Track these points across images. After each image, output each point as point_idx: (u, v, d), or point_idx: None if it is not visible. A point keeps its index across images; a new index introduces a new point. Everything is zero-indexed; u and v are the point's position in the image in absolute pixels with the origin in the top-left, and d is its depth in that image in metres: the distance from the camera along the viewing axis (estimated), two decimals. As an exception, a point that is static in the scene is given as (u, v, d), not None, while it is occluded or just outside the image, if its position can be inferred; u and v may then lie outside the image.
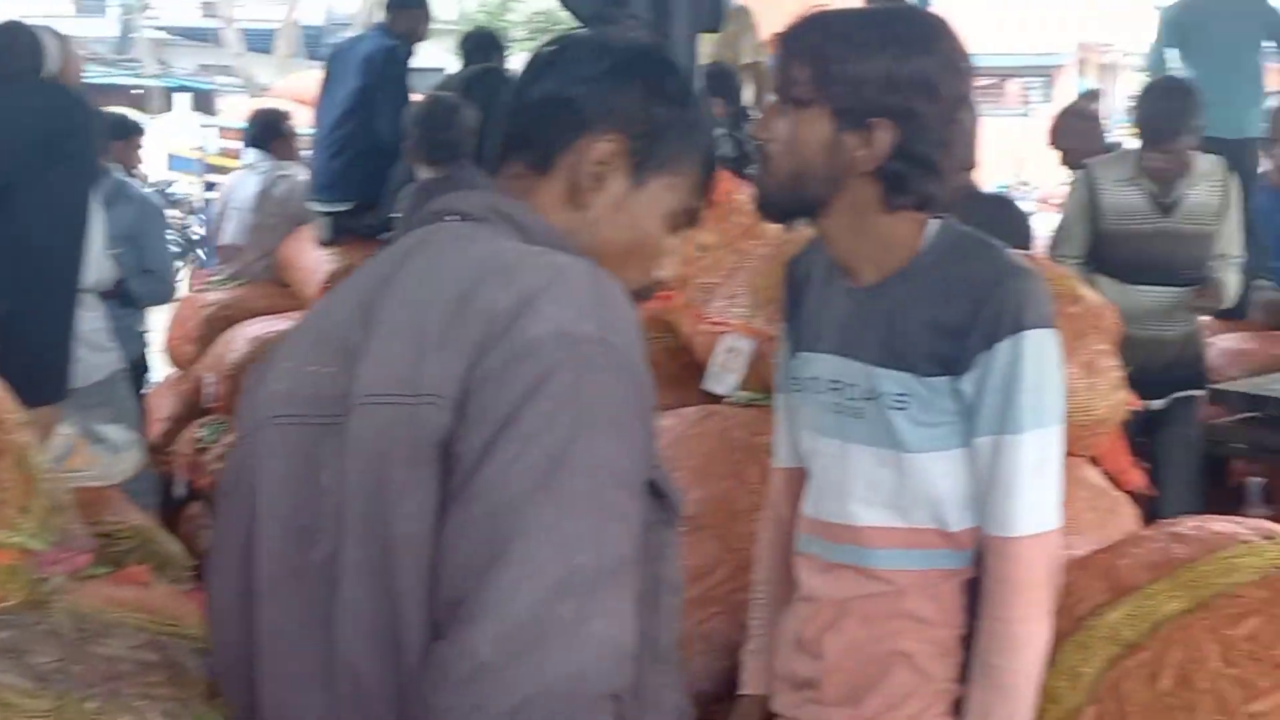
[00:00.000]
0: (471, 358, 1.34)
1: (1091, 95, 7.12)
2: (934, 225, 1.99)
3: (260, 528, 1.46)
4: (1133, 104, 5.29)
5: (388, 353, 1.40)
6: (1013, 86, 38.87)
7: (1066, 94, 33.07)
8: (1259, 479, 5.11)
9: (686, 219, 1.65)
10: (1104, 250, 4.74)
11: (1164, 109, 4.60)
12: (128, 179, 6.14)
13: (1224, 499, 4.94)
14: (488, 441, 1.30)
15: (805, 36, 1.93)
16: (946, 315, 1.92)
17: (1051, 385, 1.92)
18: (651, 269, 1.66)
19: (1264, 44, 7.18)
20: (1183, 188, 4.64)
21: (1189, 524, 2.31)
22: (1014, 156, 29.93)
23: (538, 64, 1.63)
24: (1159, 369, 4.46)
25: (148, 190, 8.09)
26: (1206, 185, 4.65)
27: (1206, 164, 4.70)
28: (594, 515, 1.30)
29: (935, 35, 1.92)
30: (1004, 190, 26.47)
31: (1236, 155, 6.72)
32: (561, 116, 1.58)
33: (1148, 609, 2.06)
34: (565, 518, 1.29)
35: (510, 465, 1.29)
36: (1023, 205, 20.39)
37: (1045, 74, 36.77)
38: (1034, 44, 34.88)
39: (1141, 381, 3.37)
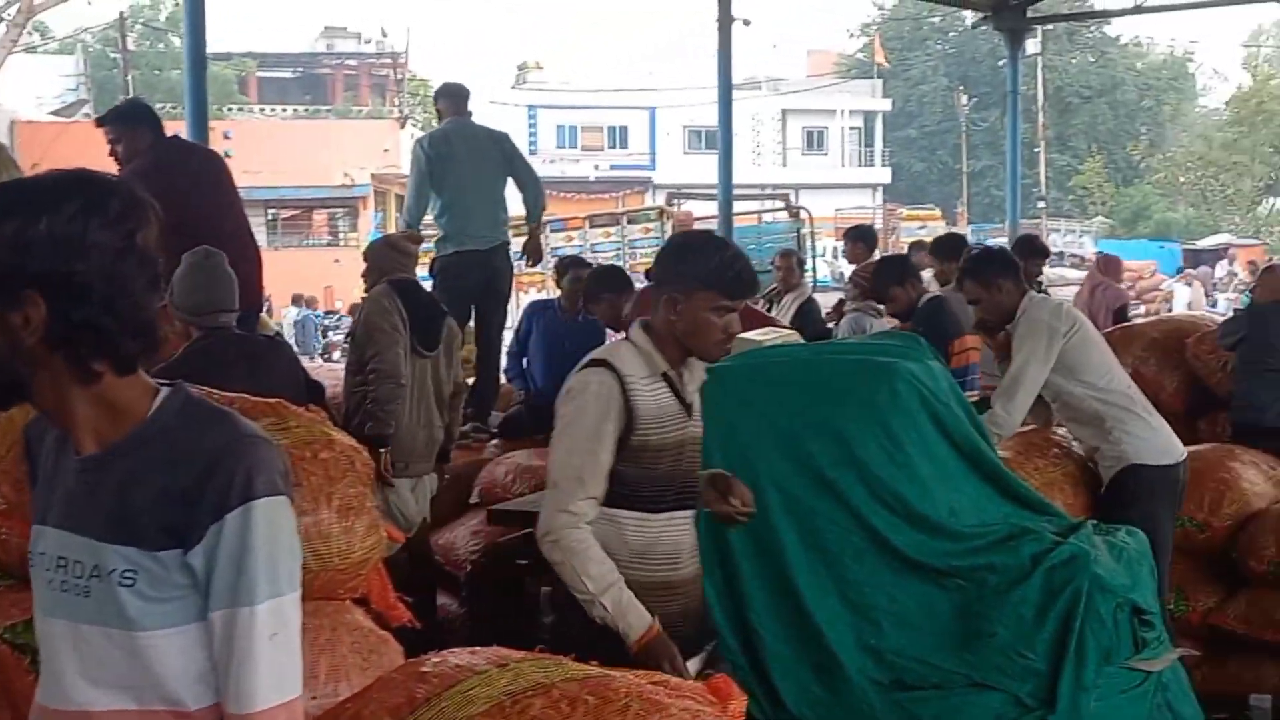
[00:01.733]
0: None
1: (415, 236, 7.60)
2: (164, 390, 1.91)
3: None
4: None
5: None
6: (320, 217, 39.63)
7: (368, 223, 34.20)
8: (548, 588, 5.41)
9: None
10: None
11: None
12: None
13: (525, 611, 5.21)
14: None
15: None
16: (175, 485, 1.83)
17: (284, 553, 1.87)
18: None
19: (506, 174, 8.30)
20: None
21: (433, 660, 2.37)
22: (323, 284, 30.48)
23: None
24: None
25: None
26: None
27: None
28: None
29: (69, 190, 1.81)
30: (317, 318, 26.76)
31: (486, 261, 7.93)
32: None
33: (389, 756, 2.07)
34: None
35: None
36: (335, 335, 20.55)
37: (350, 204, 37.80)
38: (337, 176, 35.80)
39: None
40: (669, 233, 15.83)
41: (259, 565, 1.84)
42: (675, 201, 19.16)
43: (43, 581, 1.93)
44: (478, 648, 2.39)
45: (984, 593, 4.03)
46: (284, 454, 2.01)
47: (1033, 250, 9.04)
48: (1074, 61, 57.44)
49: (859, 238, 10.61)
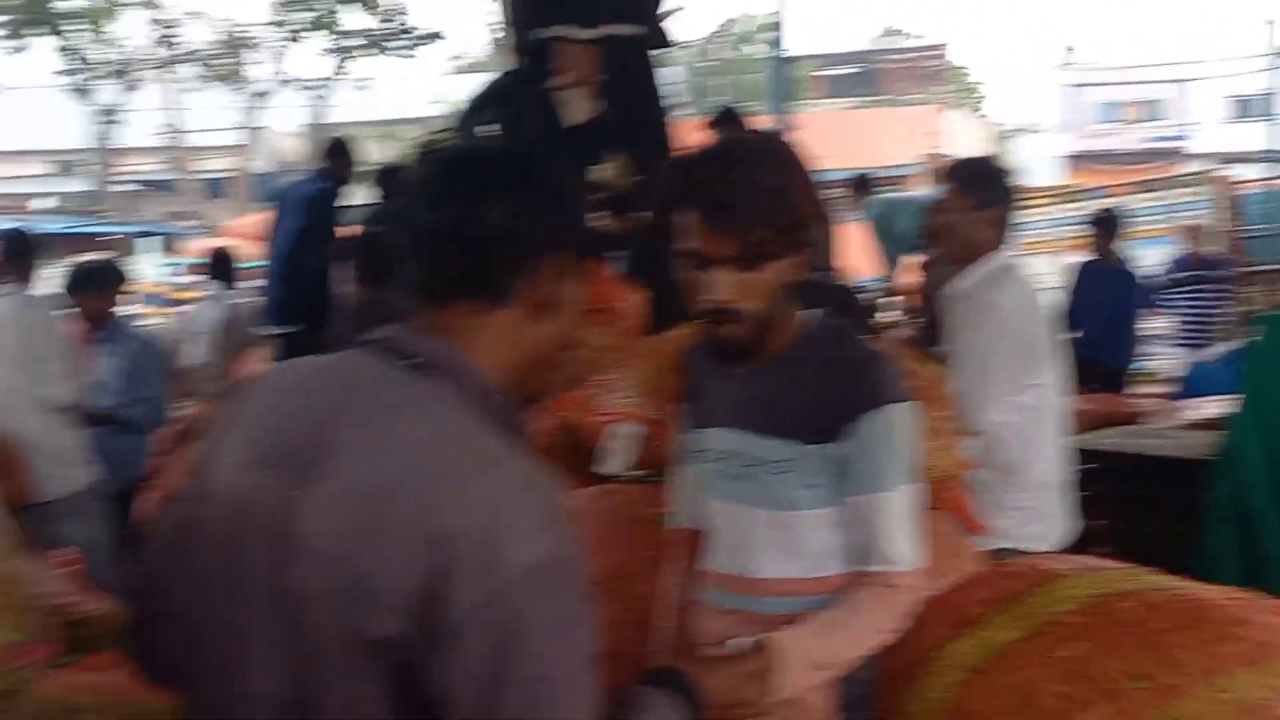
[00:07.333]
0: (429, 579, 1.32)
1: None
2: (807, 315, 2.20)
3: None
4: None
5: (331, 520, 1.36)
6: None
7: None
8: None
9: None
10: None
11: None
12: (124, 318, 5.99)
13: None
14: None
15: None
16: (821, 391, 2.16)
17: (909, 449, 2.21)
18: (570, 359, 1.60)
19: None
20: None
21: (1025, 562, 2.36)
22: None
23: (443, 188, 1.50)
24: None
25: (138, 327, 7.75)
26: None
27: None
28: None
29: None
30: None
31: None
32: (515, 246, 1.47)
33: (987, 638, 2.14)
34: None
35: None
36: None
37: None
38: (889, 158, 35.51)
39: None
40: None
41: (892, 458, 2.06)
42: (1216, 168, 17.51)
43: (709, 472, 2.14)
44: (1065, 554, 2.36)
45: None
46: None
47: None
48: None
49: None
